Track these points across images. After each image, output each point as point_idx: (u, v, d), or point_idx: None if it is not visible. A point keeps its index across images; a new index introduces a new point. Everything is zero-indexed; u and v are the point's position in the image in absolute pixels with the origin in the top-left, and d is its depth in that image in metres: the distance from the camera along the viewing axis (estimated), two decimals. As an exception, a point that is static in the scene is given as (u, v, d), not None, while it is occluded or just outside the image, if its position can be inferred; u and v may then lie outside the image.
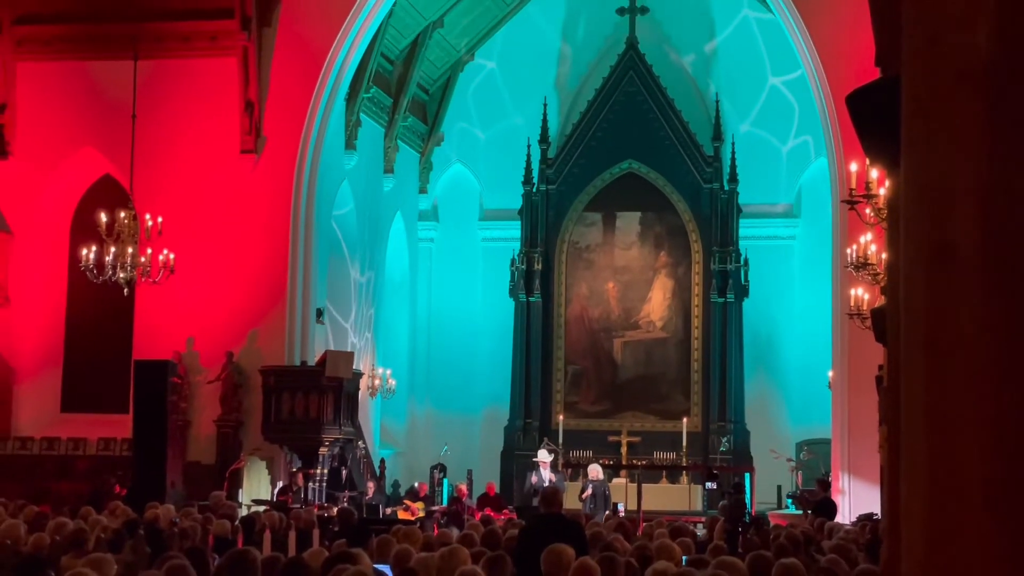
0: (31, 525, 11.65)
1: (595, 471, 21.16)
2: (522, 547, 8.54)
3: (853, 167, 11.25)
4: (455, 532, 12.20)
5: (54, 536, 10.57)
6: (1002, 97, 1.92)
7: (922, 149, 2.08)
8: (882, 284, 11.93)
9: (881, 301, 11.71)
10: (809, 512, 18.17)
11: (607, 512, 18.96)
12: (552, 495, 9.38)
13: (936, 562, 2.21)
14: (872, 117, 3.59)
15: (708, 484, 20.95)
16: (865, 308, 16.00)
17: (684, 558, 8.43)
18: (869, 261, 13.87)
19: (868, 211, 13.17)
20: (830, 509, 17.34)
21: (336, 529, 14.39)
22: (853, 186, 11.25)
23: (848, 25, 20.16)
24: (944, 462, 2.07)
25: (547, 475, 20.98)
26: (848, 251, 15.69)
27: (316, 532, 13.78)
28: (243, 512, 16.17)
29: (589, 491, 20.61)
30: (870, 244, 13.93)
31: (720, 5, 28.96)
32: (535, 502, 18.06)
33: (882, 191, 10.56)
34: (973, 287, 1.98)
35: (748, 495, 18.29)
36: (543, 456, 21.52)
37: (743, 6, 28.67)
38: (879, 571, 6.72)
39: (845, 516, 19.36)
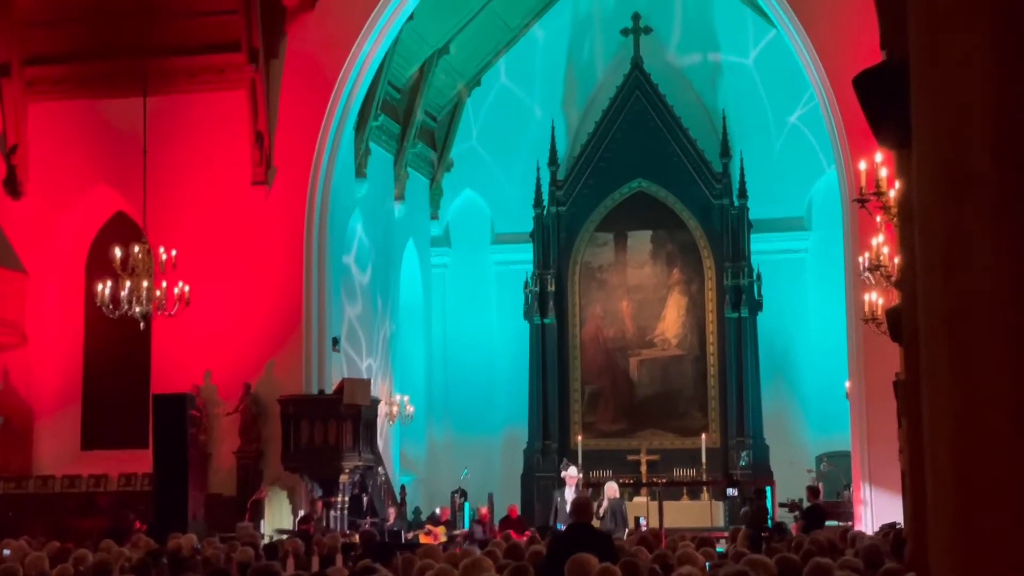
0: (54, 559, 11.63)
1: (612, 489, 21.05)
2: (551, 555, 8.50)
3: (862, 166, 11.22)
4: (477, 550, 12.15)
5: (77, 567, 10.55)
6: (1013, 17, 1.90)
7: (932, 72, 2.07)
8: (896, 280, 11.88)
9: (895, 302, 11.65)
10: (796, 518, 18.07)
11: (628, 529, 18.85)
12: (584, 504, 9.34)
13: (965, 553, 2.19)
14: (879, 97, 3.57)
15: (729, 491, 20.86)
16: (880, 313, 15.93)
17: (707, 564, 8.37)
18: (882, 263, 13.82)
19: (878, 218, 13.16)
20: (818, 517, 17.19)
21: (358, 553, 14.34)
22: (863, 185, 11.21)
23: (848, 25, 20.17)
24: (970, 403, 2.05)
25: (570, 495, 20.69)
26: (861, 259, 15.64)
27: (339, 557, 13.74)
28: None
29: (605, 505, 20.46)
30: (882, 246, 13.88)
31: (723, 22, 28.99)
32: (560, 526, 17.97)
33: (892, 192, 10.55)
34: (988, 211, 1.96)
35: (769, 506, 18.22)
36: (572, 472, 21.31)
37: (747, 22, 28.70)
38: (903, 568, 6.66)
39: (868, 526, 19.23)
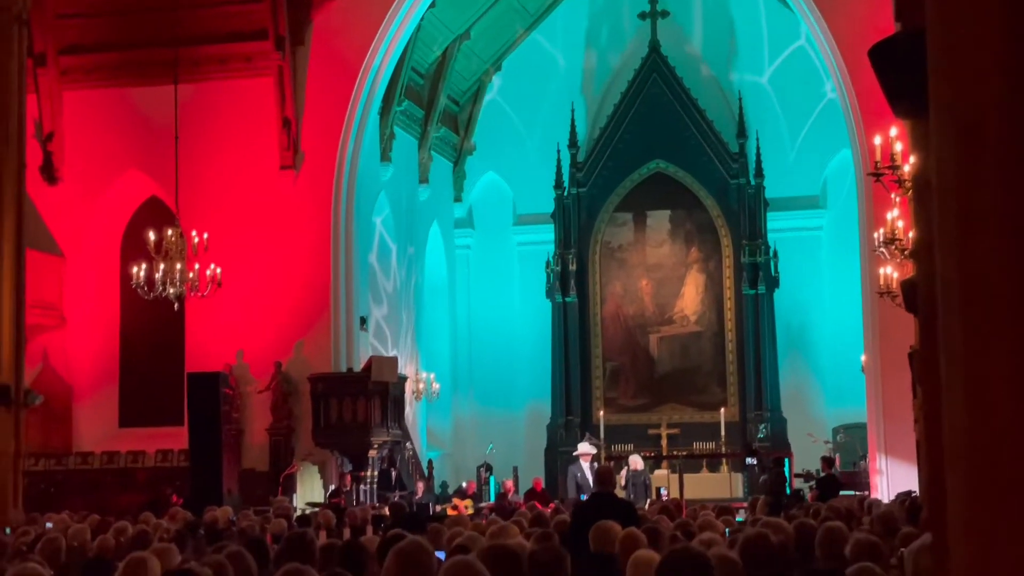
0: (95, 531, 11.73)
1: (636, 461, 21.06)
2: (576, 524, 8.54)
3: (877, 140, 11.19)
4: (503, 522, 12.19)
5: (118, 538, 10.64)
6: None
7: (948, 36, 2.08)
8: (910, 252, 11.87)
9: (910, 274, 11.62)
10: (811, 487, 18.04)
11: (651, 499, 18.89)
12: (607, 474, 9.37)
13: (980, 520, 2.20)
14: (895, 67, 3.57)
15: (749, 460, 20.87)
16: (895, 286, 15.89)
17: (727, 531, 8.40)
18: (897, 237, 13.78)
19: (893, 194, 13.12)
20: (832, 486, 17.18)
21: (389, 523, 14.40)
22: (878, 159, 11.18)
23: (862, 1, 20.07)
24: (982, 367, 2.07)
25: (588, 470, 20.29)
26: (876, 234, 15.59)
27: (369, 528, 13.81)
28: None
29: (624, 473, 20.40)
30: (897, 220, 13.84)
31: (738, 4, 28.87)
32: (578, 498, 17.94)
33: (906, 167, 10.53)
34: (1005, 178, 1.97)
35: (788, 477, 18.22)
36: (584, 449, 21.12)
37: (759, 4, 28.57)
38: (919, 532, 6.68)
39: (883, 495, 19.22)
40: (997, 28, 2.08)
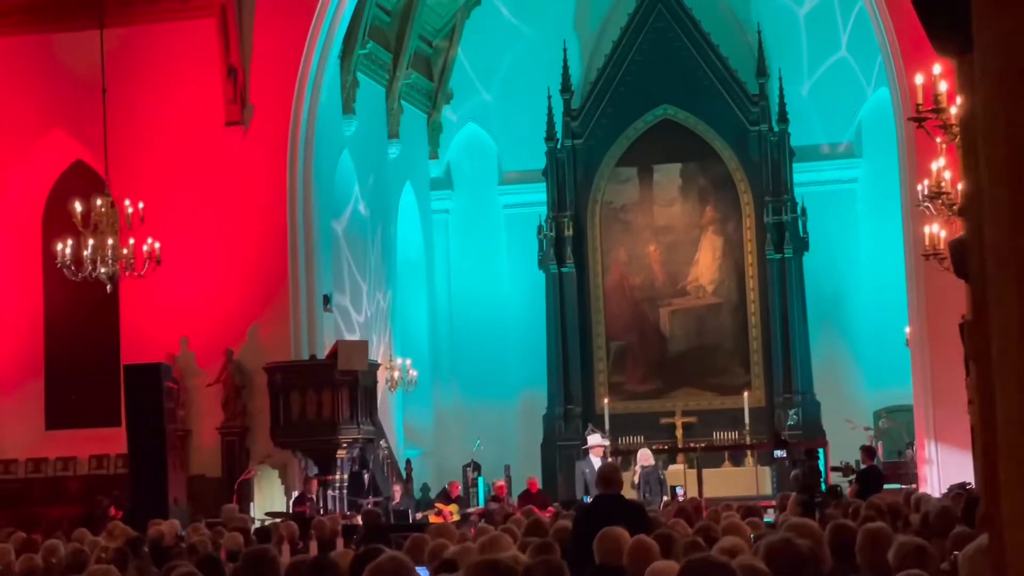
0: (20, 551, 11.74)
1: (645, 456, 21.17)
2: (579, 530, 8.58)
3: (919, 80, 11.19)
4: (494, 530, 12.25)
5: (48, 560, 10.66)
6: None
7: None
8: (960, 208, 11.89)
9: (959, 232, 11.68)
10: (851, 482, 18.17)
11: (665, 499, 19.00)
12: (611, 473, 9.42)
13: None
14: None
15: (777, 452, 20.99)
16: (942, 246, 15.95)
17: (752, 536, 8.46)
18: (943, 191, 13.81)
19: (939, 139, 13.14)
20: (875, 479, 17.29)
21: (361, 536, 14.47)
22: (920, 101, 11.18)
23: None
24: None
25: (596, 465, 20.67)
26: (919, 187, 15.63)
27: (340, 541, 13.87)
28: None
29: (639, 474, 20.55)
30: (943, 171, 13.87)
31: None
32: (587, 499, 18.04)
33: (953, 109, 10.53)
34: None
35: (823, 470, 18.30)
36: (594, 441, 21.33)
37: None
38: (976, 532, 6.72)
39: (934, 488, 19.35)
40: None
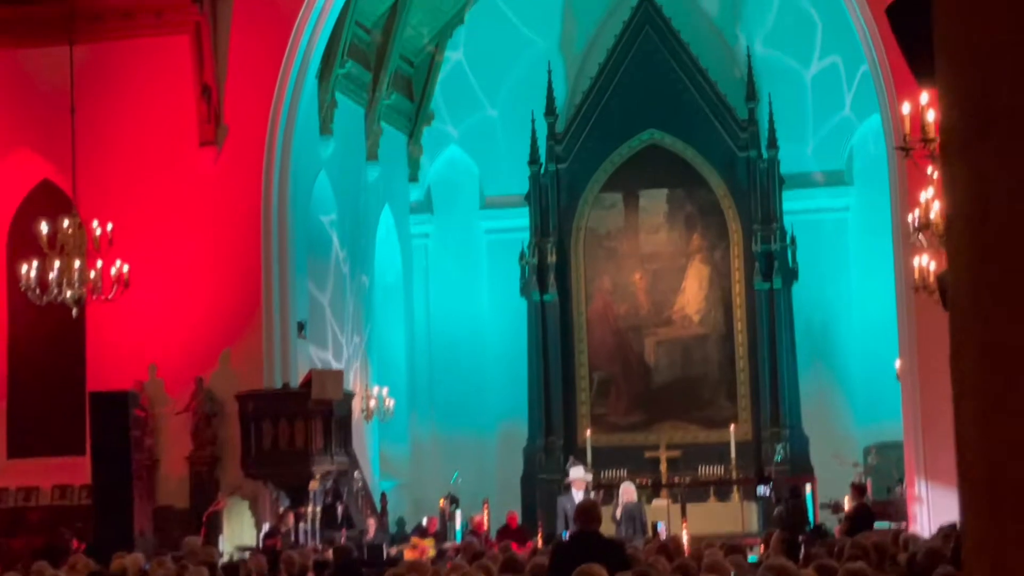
0: (-22, 585, 11.69)
1: (628, 491, 21.14)
2: (554, 567, 8.58)
3: (906, 108, 11.22)
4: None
5: (5, 595, 10.61)
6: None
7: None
8: (944, 238, 11.89)
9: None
10: (840, 520, 18.18)
11: (646, 536, 18.96)
12: (590, 509, 9.42)
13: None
14: (914, 25, 3.60)
15: (760, 489, 20.98)
16: (931, 279, 15.98)
17: (733, 574, 8.45)
18: (933, 221, 13.83)
19: (929, 169, 13.19)
20: (866, 518, 17.28)
21: (332, 571, 14.42)
22: (907, 131, 11.22)
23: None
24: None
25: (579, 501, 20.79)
26: (909, 217, 15.67)
27: (310, 576, 13.80)
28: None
29: (621, 510, 20.55)
30: (932, 201, 13.89)
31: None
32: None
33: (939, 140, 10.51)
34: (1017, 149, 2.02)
35: (810, 508, 18.33)
36: (577, 474, 21.30)
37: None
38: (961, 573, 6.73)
39: (924, 527, 19.34)
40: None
